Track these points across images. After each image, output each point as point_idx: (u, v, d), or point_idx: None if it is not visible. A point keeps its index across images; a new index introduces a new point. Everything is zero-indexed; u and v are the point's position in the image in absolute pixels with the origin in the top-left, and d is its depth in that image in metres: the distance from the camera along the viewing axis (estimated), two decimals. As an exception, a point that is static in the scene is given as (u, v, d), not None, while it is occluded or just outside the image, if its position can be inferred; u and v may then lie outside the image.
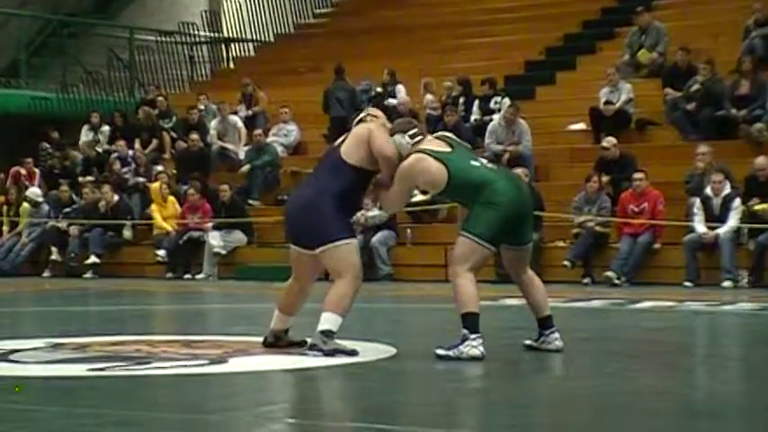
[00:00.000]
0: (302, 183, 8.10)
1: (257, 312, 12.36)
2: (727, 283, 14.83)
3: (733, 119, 17.17)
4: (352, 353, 7.65)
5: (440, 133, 8.32)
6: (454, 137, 8.17)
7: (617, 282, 15.32)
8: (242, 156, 20.23)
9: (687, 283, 15.04)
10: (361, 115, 8.08)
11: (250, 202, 19.31)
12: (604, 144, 16.90)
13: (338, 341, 7.66)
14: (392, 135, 7.86)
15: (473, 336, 7.55)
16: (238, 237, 18.39)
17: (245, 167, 19.72)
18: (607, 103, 18.21)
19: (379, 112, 8.15)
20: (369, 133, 7.74)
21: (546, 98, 20.39)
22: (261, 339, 8.22)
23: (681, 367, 7.92)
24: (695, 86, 17.57)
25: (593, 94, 18.61)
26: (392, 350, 8.08)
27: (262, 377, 7.29)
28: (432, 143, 7.91)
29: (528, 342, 8.10)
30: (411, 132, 7.86)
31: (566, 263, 15.70)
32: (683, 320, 11.39)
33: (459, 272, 7.65)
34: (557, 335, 7.99)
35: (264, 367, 7.57)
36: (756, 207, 15.14)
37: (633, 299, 13.01)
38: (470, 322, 7.58)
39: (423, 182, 7.89)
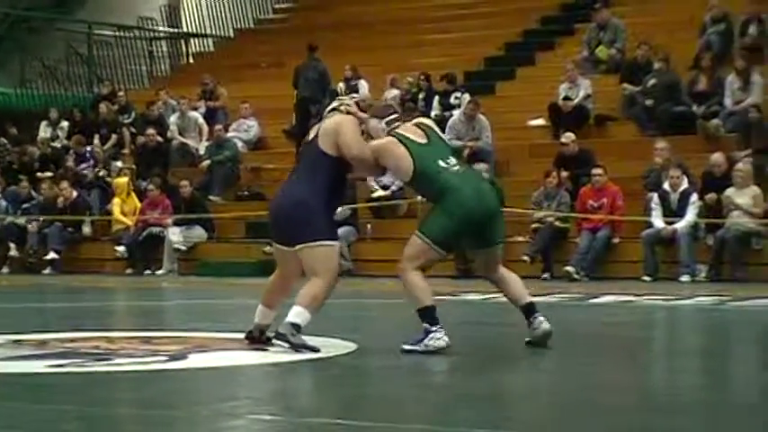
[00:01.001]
0: (286, 182, 8.02)
1: (217, 308, 12.35)
2: (685, 278, 14.96)
3: (690, 115, 17.30)
4: (315, 350, 7.65)
5: (419, 120, 8.18)
6: (434, 126, 8.09)
7: (576, 276, 15.40)
8: (202, 151, 20.18)
9: (646, 278, 15.16)
10: (334, 104, 8.02)
11: (210, 197, 19.27)
12: (563, 140, 16.99)
13: (302, 336, 7.68)
14: (370, 118, 7.88)
15: (434, 327, 7.60)
16: (198, 232, 18.35)
17: (205, 163, 19.67)
18: (566, 98, 18.29)
19: (351, 101, 8.11)
20: (337, 127, 7.73)
21: (505, 94, 20.45)
22: (222, 335, 8.21)
23: (640, 362, 7.99)
24: (651, 81, 17.69)
25: (553, 89, 18.70)
26: (353, 346, 8.10)
27: (222, 373, 7.28)
28: (408, 130, 7.87)
29: (528, 339, 8.07)
30: (388, 119, 7.88)
31: (525, 258, 15.76)
32: (642, 315, 11.47)
33: (407, 268, 7.74)
34: (541, 318, 7.97)
35: (225, 363, 7.57)
36: None
37: (592, 293, 13.09)
38: (428, 315, 7.63)
39: (391, 165, 7.87)
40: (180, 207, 18.38)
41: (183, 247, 18.16)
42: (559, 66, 19.38)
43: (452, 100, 19.10)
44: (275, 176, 19.44)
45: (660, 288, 13.87)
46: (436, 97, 19.26)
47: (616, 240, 15.82)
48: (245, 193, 19.45)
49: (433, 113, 19.07)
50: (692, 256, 15.11)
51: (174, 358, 7.64)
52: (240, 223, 18.50)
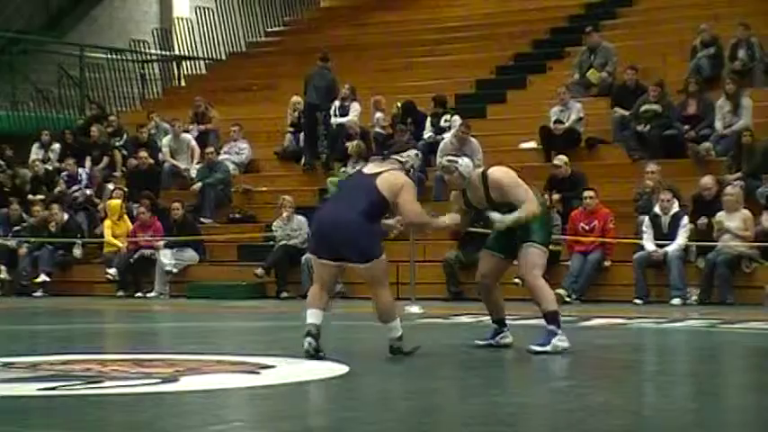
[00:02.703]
0: (334, 202, 9.30)
1: (209, 330, 12.34)
2: (676, 301, 14.98)
3: (681, 138, 17.36)
4: (418, 347, 8.77)
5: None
6: None
7: (568, 299, 15.40)
8: (194, 174, 20.18)
9: (637, 301, 15.18)
10: (403, 159, 9.01)
11: (202, 220, 19.26)
12: (555, 162, 17.03)
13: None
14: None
15: (559, 330, 8.82)
16: (190, 255, 18.33)
17: (197, 185, 19.67)
18: (557, 121, 18.35)
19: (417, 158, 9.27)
20: (400, 189, 8.75)
21: (497, 117, 20.49)
22: (214, 357, 8.19)
23: (630, 384, 8.00)
24: (644, 107, 17.73)
25: (544, 112, 18.75)
26: (345, 368, 8.10)
27: (213, 396, 7.28)
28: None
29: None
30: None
31: (516, 280, 15.73)
32: (633, 337, 11.48)
33: (537, 275, 9.17)
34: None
35: (217, 386, 7.57)
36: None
37: (584, 316, 13.09)
38: (555, 319, 8.90)
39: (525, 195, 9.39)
40: (171, 229, 18.36)
41: (175, 270, 18.14)
42: (551, 89, 19.44)
43: (442, 122, 19.14)
44: (267, 199, 19.48)
45: (651, 311, 13.89)
46: (428, 119, 19.31)
47: (607, 263, 15.83)
48: (237, 215, 19.45)
49: (425, 135, 19.14)
50: (682, 279, 15.14)
51: (165, 381, 7.64)
52: (232, 246, 18.50)
